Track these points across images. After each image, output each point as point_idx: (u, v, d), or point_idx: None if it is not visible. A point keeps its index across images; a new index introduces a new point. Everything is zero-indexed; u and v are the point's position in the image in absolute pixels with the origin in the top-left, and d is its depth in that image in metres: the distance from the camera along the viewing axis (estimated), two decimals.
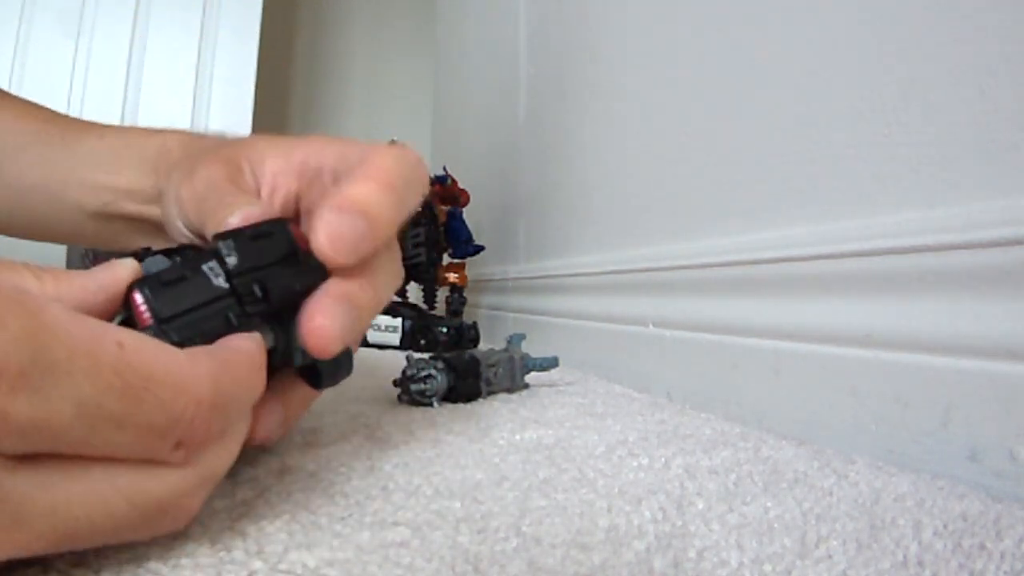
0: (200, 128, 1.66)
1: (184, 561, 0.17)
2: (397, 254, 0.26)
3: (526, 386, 0.51)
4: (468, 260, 1.01)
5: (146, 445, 0.15)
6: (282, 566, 0.17)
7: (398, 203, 0.22)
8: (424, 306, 0.96)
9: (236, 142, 0.29)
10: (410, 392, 0.42)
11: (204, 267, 0.20)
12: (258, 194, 0.27)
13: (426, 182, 0.26)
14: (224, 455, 0.18)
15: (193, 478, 0.17)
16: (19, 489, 0.13)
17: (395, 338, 0.82)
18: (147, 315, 0.18)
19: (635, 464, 0.29)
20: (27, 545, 0.14)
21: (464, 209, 1.01)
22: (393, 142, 0.90)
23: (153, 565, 0.16)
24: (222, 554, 0.17)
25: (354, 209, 0.21)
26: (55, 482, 0.14)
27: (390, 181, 0.22)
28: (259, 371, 0.19)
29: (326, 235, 0.20)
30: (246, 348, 0.19)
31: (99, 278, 0.19)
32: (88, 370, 0.14)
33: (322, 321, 0.20)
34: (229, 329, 0.19)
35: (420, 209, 0.91)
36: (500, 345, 0.53)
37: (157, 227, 0.31)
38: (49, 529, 0.14)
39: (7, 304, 0.13)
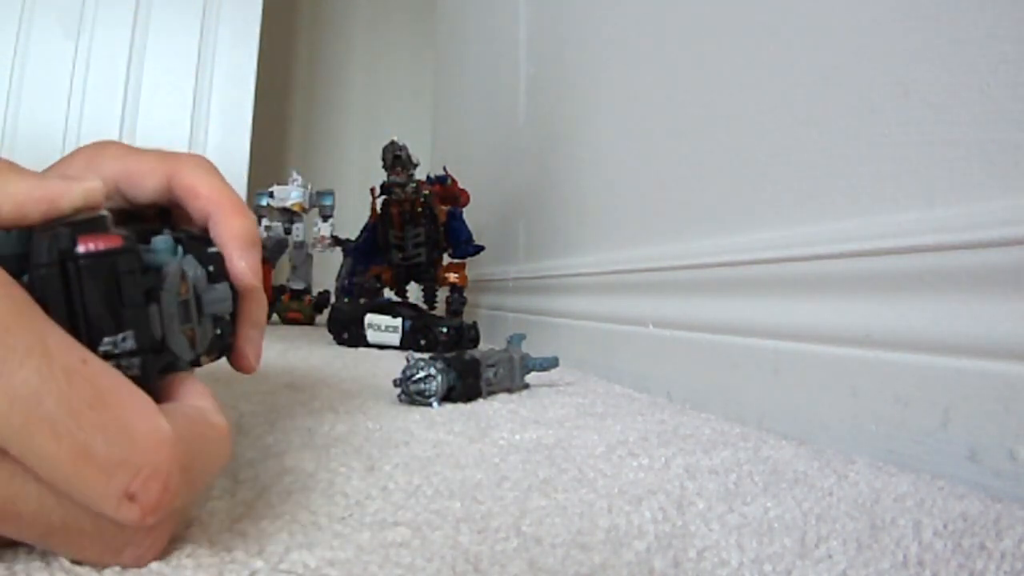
0: (201, 128, 1.67)
1: (186, 561, 0.17)
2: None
3: (526, 386, 0.51)
4: (468, 260, 1.01)
5: (85, 475, 0.14)
6: (283, 566, 0.17)
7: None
8: (424, 306, 0.96)
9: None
10: (410, 392, 0.42)
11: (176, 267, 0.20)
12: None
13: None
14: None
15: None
16: None
17: (395, 338, 0.82)
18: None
19: (635, 464, 0.29)
20: None
21: (464, 209, 1.01)
22: (394, 142, 0.90)
23: (155, 565, 0.16)
24: (223, 554, 0.17)
25: (250, 242, 0.23)
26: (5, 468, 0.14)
27: (241, 207, 0.24)
28: (227, 446, 0.19)
29: (250, 267, 0.23)
30: (219, 425, 0.18)
31: (92, 199, 0.18)
32: (40, 366, 0.14)
33: (249, 352, 0.24)
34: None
35: (420, 209, 0.92)
36: (500, 345, 0.53)
37: None
38: None
39: None
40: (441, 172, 1.01)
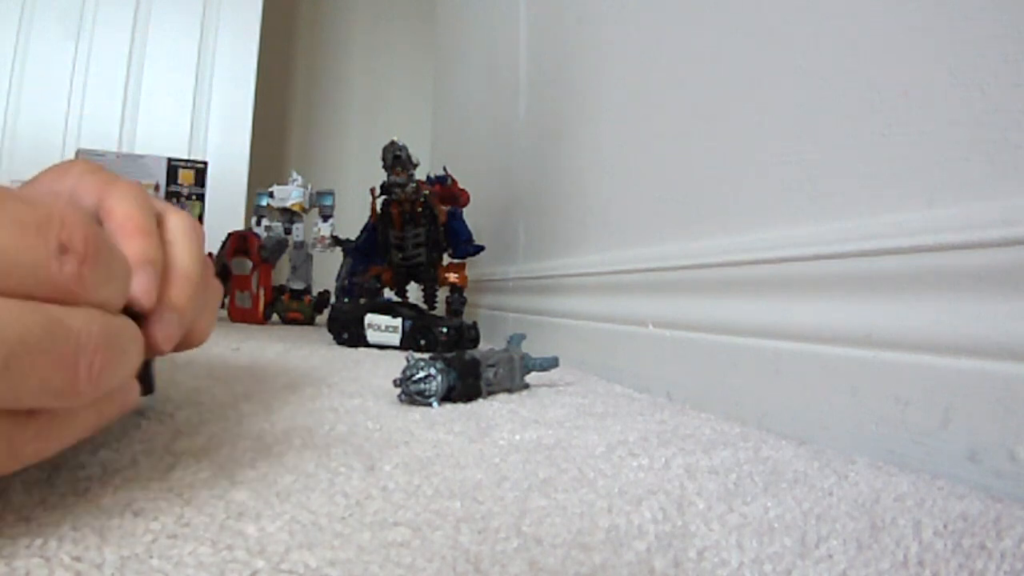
0: (201, 128, 1.66)
1: (187, 559, 0.17)
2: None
3: (526, 386, 0.51)
4: (468, 260, 1.01)
5: (23, 241, 0.15)
6: (284, 566, 0.17)
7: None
8: (424, 306, 0.96)
9: None
10: (410, 392, 0.42)
11: None
12: None
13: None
14: (122, 328, 0.18)
15: (98, 327, 0.17)
16: None
17: (395, 338, 0.82)
18: None
19: (635, 464, 0.29)
20: None
21: (464, 209, 1.01)
22: (394, 142, 0.90)
23: (156, 563, 0.16)
24: (224, 553, 0.17)
25: (144, 261, 0.22)
26: None
27: (140, 229, 0.23)
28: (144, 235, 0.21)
29: (142, 286, 0.21)
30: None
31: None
32: None
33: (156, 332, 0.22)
34: None
35: (420, 209, 0.92)
36: (500, 345, 0.53)
37: None
38: None
39: None
40: (441, 172, 1.01)
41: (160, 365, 0.35)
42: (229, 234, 1.24)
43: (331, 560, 0.17)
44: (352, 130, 2.20)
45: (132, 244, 0.22)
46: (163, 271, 0.23)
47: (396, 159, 0.89)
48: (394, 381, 0.43)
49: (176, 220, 0.25)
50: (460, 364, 0.44)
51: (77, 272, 0.16)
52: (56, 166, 0.24)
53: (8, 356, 0.14)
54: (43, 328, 0.15)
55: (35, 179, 0.24)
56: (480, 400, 0.45)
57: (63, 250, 0.16)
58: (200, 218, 1.25)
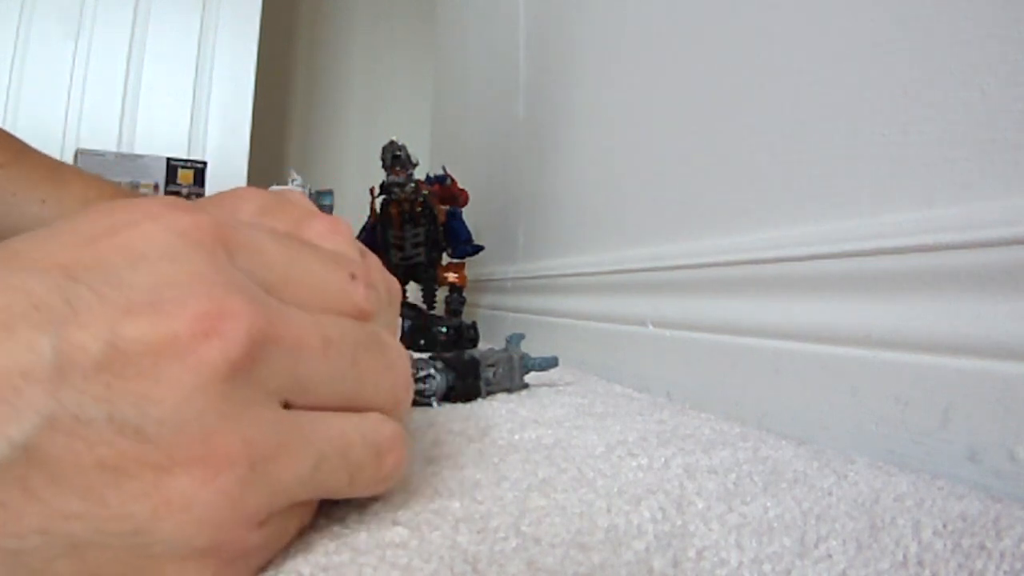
0: (200, 128, 1.66)
1: None
2: None
3: (526, 386, 0.51)
4: (468, 260, 1.01)
5: (331, 272, 0.19)
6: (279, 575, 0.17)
7: None
8: (423, 306, 0.96)
9: None
10: None
11: None
12: None
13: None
14: (397, 358, 0.21)
15: (388, 386, 0.20)
16: (286, 419, 0.16)
17: None
18: None
19: (635, 464, 0.29)
20: (305, 331, 0.17)
21: (464, 209, 1.01)
22: (393, 142, 0.90)
23: None
24: None
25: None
26: (308, 419, 0.17)
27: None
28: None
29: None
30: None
31: None
32: (263, 227, 0.19)
33: None
34: None
35: (419, 209, 0.92)
36: (500, 345, 0.53)
37: None
38: (308, 461, 0.16)
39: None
40: (440, 172, 1.01)
41: None
42: None
43: (324, 566, 0.17)
44: (351, 130, 2.20)
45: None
46: None
47: (395, 159, 0.88)
48: None
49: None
50: (459, 364, 0.44)
51: (365, 294, 0.20)
52: (228, 194, 0.24)
53: (325, 460, 0.17)
54: (362, 436, 0.18)
55: (212, 203, 0.24)
56: (479, 400, 0.45)
57: (353, 277, 0.20)
58: None
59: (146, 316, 0.14)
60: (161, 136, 1.58)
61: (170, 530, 0.14)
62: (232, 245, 0.17)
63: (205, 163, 1.31)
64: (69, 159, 1.34)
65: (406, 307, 0.87)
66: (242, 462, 0.15)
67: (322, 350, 0.17)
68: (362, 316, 0.20)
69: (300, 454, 0.16)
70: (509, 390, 0.49)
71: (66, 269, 0.14)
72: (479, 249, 0.99)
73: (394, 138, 0.90)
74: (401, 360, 0.21)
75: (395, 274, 0.98)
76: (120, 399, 0.14)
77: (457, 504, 0.23)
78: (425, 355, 0.45)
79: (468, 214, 1.01)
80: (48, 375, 0.13)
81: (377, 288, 0.21)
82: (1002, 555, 0.19)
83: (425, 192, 0.92)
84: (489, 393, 0.47)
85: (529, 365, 0.51)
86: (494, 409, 0.42)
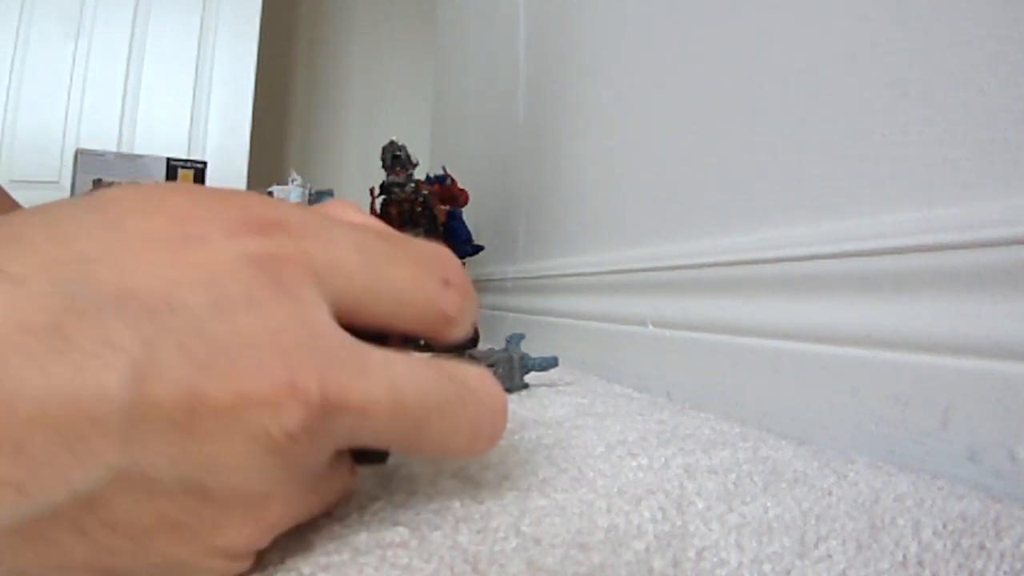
0: (200, 128, 1.66)
1: None
2: None
3: (526, 386, 0.51)
4: (468, 260, 1.01)
5: (420, 280, 0.19)
6: (279, 575, 0.17)
7: None
8: None
9: None
10: None
11: None
12: None
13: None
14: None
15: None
16: (357, 343, 0.16)
17: None
18: None
19: (635, 464, 0.29)
20: (372, 395, 0.16)
21: (464, 209, 1.01)
22: (393, 142, 0.90)
23: None
24: None
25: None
26: (383, 352, 0.17)
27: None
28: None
29: None
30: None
31: None
32: (352, 226, 0.18)
33: None
34: None
35: (419, 209, 0.92)
36: (500, 345, 0.53)
37: None
38: (387, 384, 0.16)
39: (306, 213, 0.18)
40: (440, 172, 1.01)
41: None
42: None
43: (325, 565, 0.17)
44: (351, 130, 2.20)
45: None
46: None
47: (395, 159, 0.89)
48: None
49: None
50: None
51: (459, 304, 0.20)
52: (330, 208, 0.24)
53: (426, 418, 0.17)
54: (458, 396, 0.18)
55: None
56: None
57: (446, 284, 0.19)
58: None
59: (225, 377, 0.13)
60: (161, 136, 1.58)
61: (209, 567, 0.15)
62: (310, 272, 0.16)
63: (205, 163, 1.31)
64: (69, 159, 1.34)
65: None
66: (286, 523, 0.17)
67: (390, 414, 0.16)
68: (447, 323, 0.20)
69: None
70: (509, 390, 0.49)
71: (143, 299, 0.13)
72: (479, 249, 0.99)
73: (394, 138, 0.90)
74: (490, 408, 0.20)
75: None
76: (191, 460, 0.13)
77: (457, 504, 0.23)
78: (425, 355, 0.45)
79: (468, 214, 1.01)
80: (120, 427, 0.12)
81: (469, 293, 0.20)
82: (1002, 555, 0.20)
83: (425, 192, 0.92)
84: None
85: (529, 365, 0.51)
86: None
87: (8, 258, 0.13)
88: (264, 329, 0.15)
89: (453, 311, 0.20)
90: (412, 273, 0.19)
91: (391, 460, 0.24)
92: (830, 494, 0.25)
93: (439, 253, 0.20)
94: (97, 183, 1.18)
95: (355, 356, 0.16)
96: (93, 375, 0.12)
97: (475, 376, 0.20)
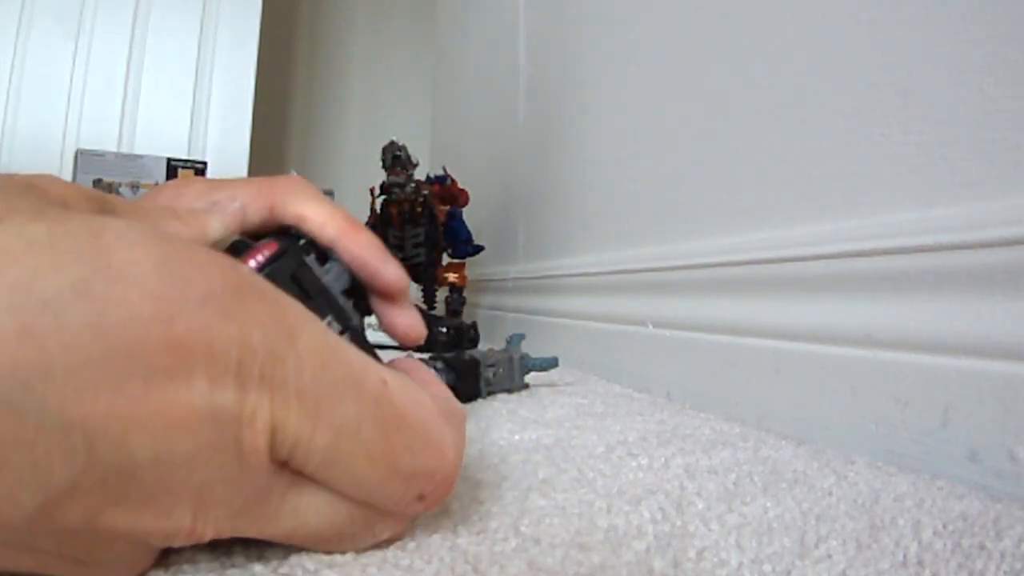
0: (200, 128, 1.66)
1: (186, 567, 0.17)
2: None
3: (526, 386, 0.51)
4: (468, 260, 1.01)
5: (389, 488, 0.17)
6: (283, 570, 0.17)
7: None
8: (423, 306, 0.96)
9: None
10: None
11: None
12: None
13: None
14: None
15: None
16: (279, 489, 0.15)
17: None
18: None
19: (635, 464, 0.29)
20: (265, 534, 0.16)
21: (464, 209, 1.01)
22: (393, 142, 0.89)
23: (155, 572, 0.16)
24: (223, 559, 0.17)
25: (383, 249, 0.25)
26: (307, 492, 0.16)
27: (356, 222, 0.24)
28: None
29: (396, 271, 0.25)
30: (461, 410, 0.21)
31: (228, 225, 0.20)
32: (355, 396, 0.16)
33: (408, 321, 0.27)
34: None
35: (419, 209, 0.92)
36: (500, 345, 0.53)
37: None
38: (287, 528, 0.16)
39: (304, 321, 0.16)
40: (440, 172, 1.01)
41: None
42: None
43: (329, 563, 0.17)
44: (351, 130, 2.20)
45: (360, 238, 0.23)
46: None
47: (395, 159, 0.89)
48: None
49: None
50: (459, 364, 0.44)
51: (420, 512, 0.18)
52: (169, 186, 0.23)
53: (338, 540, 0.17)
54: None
55: (151, 196, 0.23)
56: (480, 400, 0.45)
57: (421, 499, 0.17)
58: None
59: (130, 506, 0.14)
60: (161, 136, 1.58)
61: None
62: (268, 445, 0.16)
63: (205, 163, 1.31)
64: (69, 159, 1.34)
65: None
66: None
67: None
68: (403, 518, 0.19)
69: None
70: (509, 390, 0.49)
71: (238, 333, 0.14)
72: (479, 249, 0.99)
73: (394, 138, 0.90)
74: None
75: None
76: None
77: (457, 504, 0.23)
78: (425, 355, 0.45)
79: (468, 214, 1.01)
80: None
81: (441, 499, 0.18)
82: (1002, 555, 0.20)
83: (425, 192, 0.92)
84: (489, 393, 0.47)
85: (529, 365, 0.51)
86: (494, 409, 0.42)
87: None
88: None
89: (412, 515, 0.19)
90: (386, 473, 0.16)
91: None
92: (830, 494, 0.25)
93: (440, 463, 0.17)
94: (97, 183, 1.18)
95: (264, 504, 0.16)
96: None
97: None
